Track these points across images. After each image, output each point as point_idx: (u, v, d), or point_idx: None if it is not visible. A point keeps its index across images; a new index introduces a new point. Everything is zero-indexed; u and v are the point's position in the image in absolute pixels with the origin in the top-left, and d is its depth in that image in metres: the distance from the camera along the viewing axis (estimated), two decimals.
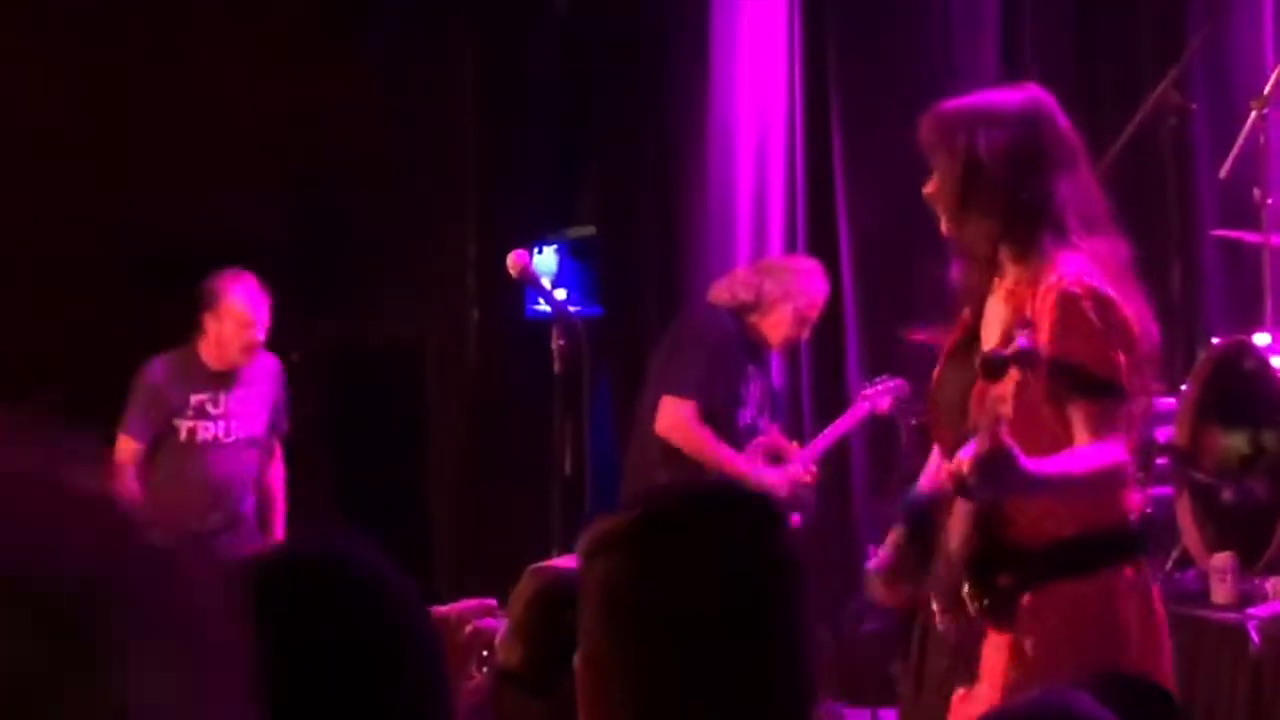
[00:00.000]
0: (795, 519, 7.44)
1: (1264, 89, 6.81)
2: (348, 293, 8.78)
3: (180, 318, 7.05)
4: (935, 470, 4.36)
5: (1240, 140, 6.80)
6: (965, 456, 3.61)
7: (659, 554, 2.27)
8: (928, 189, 4.20)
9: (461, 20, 9.37)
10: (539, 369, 9.63)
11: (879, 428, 8.12)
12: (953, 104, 4.21)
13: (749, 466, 7.26)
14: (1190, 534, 6.38)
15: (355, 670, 2.11)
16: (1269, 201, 6.85)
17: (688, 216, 9.14)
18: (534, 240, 9.73)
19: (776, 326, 7.33)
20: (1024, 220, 4.05)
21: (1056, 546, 3.96)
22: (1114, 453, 3.87)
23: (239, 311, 7.18)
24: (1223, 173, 6.84)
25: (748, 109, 9.11)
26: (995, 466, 3.59)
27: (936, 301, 8.12)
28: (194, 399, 7.26)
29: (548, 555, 9.11)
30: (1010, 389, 3.56)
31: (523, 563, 9.35)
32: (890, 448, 8.09)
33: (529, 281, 6.62)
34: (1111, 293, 3.93)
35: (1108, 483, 3.96)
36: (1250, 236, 7.13)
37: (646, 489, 2.26)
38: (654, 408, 7.26)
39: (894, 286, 8.51)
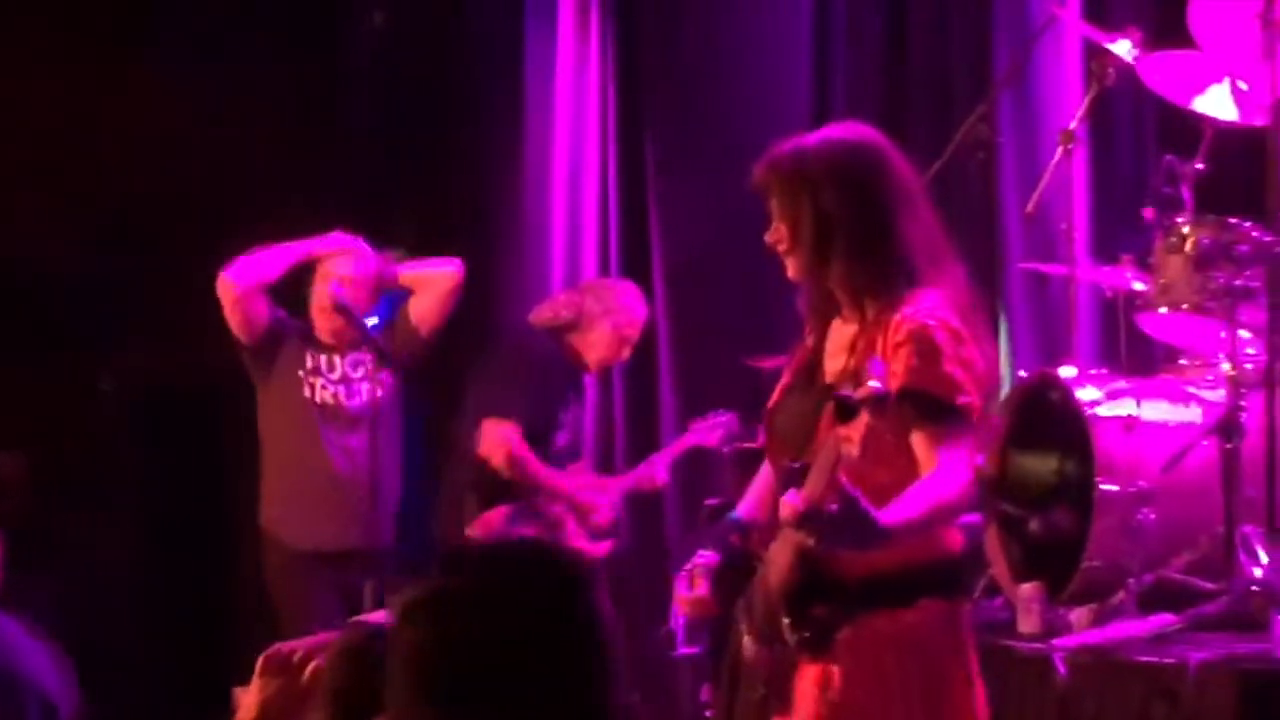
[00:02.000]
0: (607, 546, 7.47)
1: (1070, 124, 6.93)
2: (157, 321, 8.65)
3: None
4: (758, 497, 4.38)
5: (1047, 175, 6.91)
6: (793, 499, 3.63)
7: (462, 624, 2.30)
8: (771, 236, 4.18)
9: (272, 43, 9.29)
10: None
11: (697, 460, 8.15)
12: (790, 148, 4.19)
13: (572, 487, 7.28)
14: (997, 563, 6.48)
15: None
16: (1075, 235, 6.98)
17: (502, 247, 9.13)
18: None
19: (594, 346, 7.36)
20: (874, 262, 4.07)
21: (877, 578, 3.97)
22: (953, 487, 3.89)
23: None
24: (1030, 207, 6.95)
25: (563, 141, 9.13)
26: (850, 526, 3.62)
27: (752, 333, 8.23)
28: None
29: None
30: (859, 430, 3.58)
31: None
32: (706, 481, 8.13)
33: (346, 316, 6.63)
34: (961, 327, 3.98)
35: (952, 517, 3.99)
36: (1056, 270, 7.26)
37: (452, 549, 2.24)
38: (471, 431, 7.25)
39: (705, 320, 8.57)
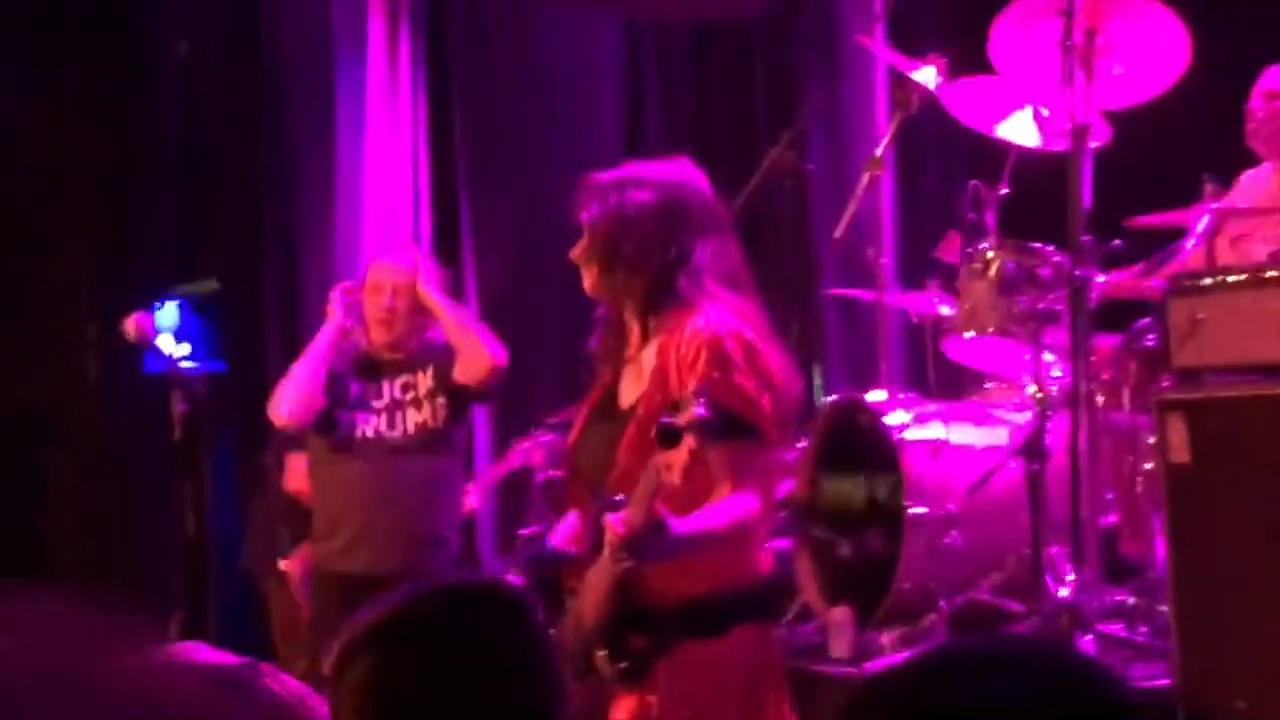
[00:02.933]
0: None
1: (877, 151, 6.99)
2: None
3: None
4: (569, 529, 4.39)
5: (854, 201, 6.96)
6: (615, 522, 3.67)
7: (413, 654, 2.35)
8: (575, 251, 4.27)
9: (80, 66, 9.17)
10: (161, 427, 9.50)
11: (511, 486, 8.14)
12: (613, 173, 4.32)
13: None
14: (809, 587, 6.51)
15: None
16: (882, 261, 7.05)
17: (311, 271, 9.07)
18: (156, 295, 9.56)
19: None
20: (667, 274, 4.14)
21: (689, 606, 4.01)
22: (748, 503, 3.93)
23: None
24: (838, 233, 6.99)
25: (374, 166, 9.09)
26: (646, 537, 3.66)
27: (568, 353, 8.23)
28: None
29: (170, 616, 8.98)
30: (681, 457, 3.59)
31: (152, 619, 9.15)
32: (520, 504, 8.12)
33: (146, 346, 6.46)
34: (755, 339, 4.02)
35: (742, 536, 4.02)
36: (865, 295, 7.32)
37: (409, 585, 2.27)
38: (278, 464, 7.20)
39: (521, 339, 8.53)
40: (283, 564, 7.21)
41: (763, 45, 8.77)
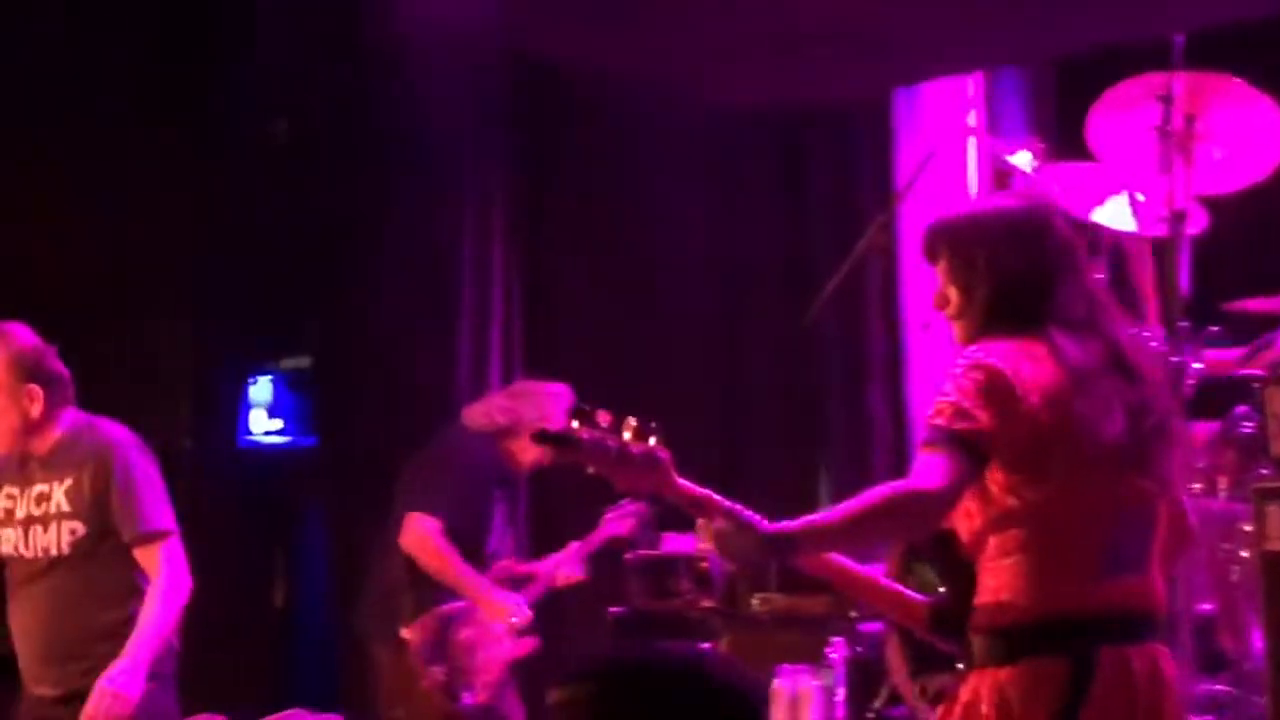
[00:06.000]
0: (529, 644, 7.41)
1: None
2: None
3: None
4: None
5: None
6: None
7: None
8: (939, 302, 4.12)
9: (181, 143, 9.28)
10: (253, 499, 9.57)
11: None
12: (958, 216, 4.15)
13: (485, 588, 7.25)
14: (899, 672, 6.47)
15: None
16: None
17: (404, 346, 9.14)
18: (250, 370, 9.66)
19: (527, 449, 7.35)
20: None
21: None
22: (884, 489, 3.76)
23: None
24: (927, 321, 6.99)
25: (469, 240, 9.17)
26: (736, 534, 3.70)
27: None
28: None
29: (260, 680, 9.02)
30: None
31: (238, 685, 9.12)
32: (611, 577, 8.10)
33: None
34: (998, 363, 3.85)
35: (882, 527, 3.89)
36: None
37: (621, 657, 2.16)
38: (398, 528, 7.22)
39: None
40: (405, 632, 7.22)
41: (859, 130, 8.81)
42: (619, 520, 7.88)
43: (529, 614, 7.33)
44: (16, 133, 8.72)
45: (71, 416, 5.95)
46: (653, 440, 3.74)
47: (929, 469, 3.72)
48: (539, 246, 9.33)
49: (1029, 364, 3.83)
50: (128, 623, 5.85)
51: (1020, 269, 3.97)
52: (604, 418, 3.68)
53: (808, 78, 8.12)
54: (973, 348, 3.89)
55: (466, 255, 9.19)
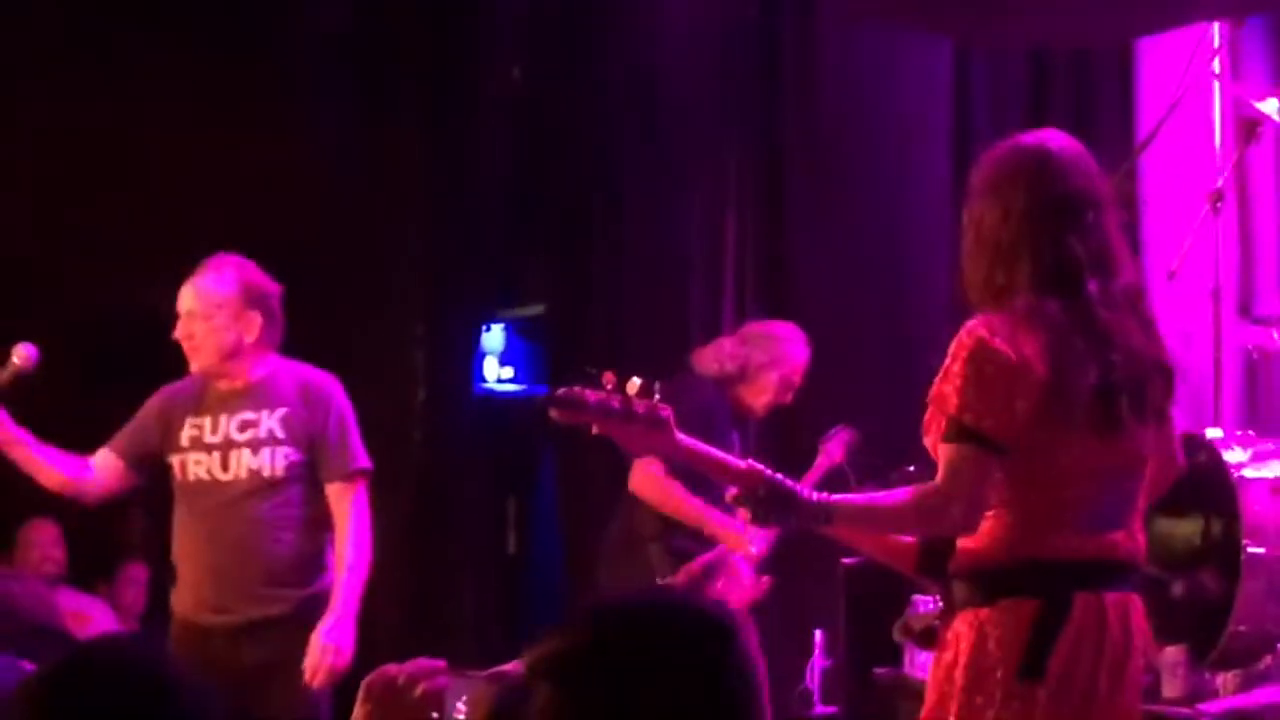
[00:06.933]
0: (766, 582, 7.38)
1: (1218, 183, 6.86)
2: None
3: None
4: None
5: (1192, 235, 6.85)
6: None
7: (606, 684, 2.24)
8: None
9: (410, 94, 9.37)
10: (485, 447, 9.66)
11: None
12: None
13: (721, 519, 7.18)
14: None
15: None
16: (1221, 295, 6.90)
17: (636, 294, 9.15)
18: (482, 318, 9.75)
19: (761, 394, 7.31)
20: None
21: None
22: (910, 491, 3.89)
23: None
24: (1174, 266, 6.88)
25: (701, 189, 9.15)
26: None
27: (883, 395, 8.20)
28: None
29: (489, 628, 9.10)
30: None
31: (467, 632, 9.22)
32: None
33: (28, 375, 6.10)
34: (1002, 346, 3.86)
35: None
36: (1201, 329, 7.19)
37: (595, 603, 2.10)
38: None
39: (843, 378, 8.50)
40: (662, 583, 7.19)
41: (1102, 73, 8.66)
42: (832, 447, 7.85)
43: (764, 549, 7.29)
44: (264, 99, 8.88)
45: (275, 359, 6.07)
46: (656, 398, 3.79)
47: (959, 471, 3.81)
48: (773, 199, 9.27)
49: (1027, 336, 3.85)
50: (316, 557, 5.97)
51: (1000, 222, 3.98)
52: (608, 378, 3.70)
53: (1057, 25, 8.00)
54: (975, 323, 3.90)
55: (698, 204, 9.17)
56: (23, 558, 8.37)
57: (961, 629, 3.91)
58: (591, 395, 3.69)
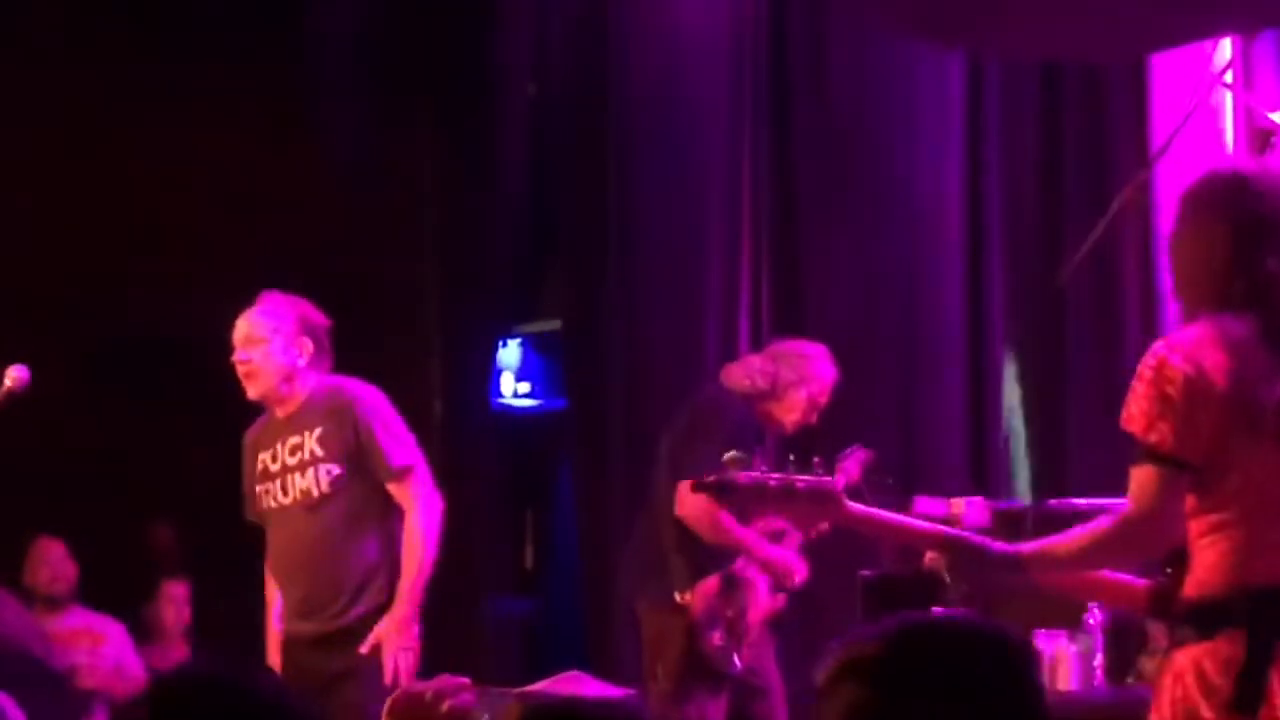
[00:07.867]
0: (782, 598, 7.39)
1: None
2: None
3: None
4: None
5: None
6: None
7: (908, 687, 2.26)
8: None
9: (426, 109, 9.40)
10: (502, 462, 9.67)
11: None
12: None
13: (768, 550, 7.22)
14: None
15: None
16: None
17: (653, 309, 9.15)
18: (499, 333, 9.76)
19: (790, 411, 7.32)
20: None
21: None
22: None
23: None
24: None
25: (716, 203, 9.15)
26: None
27: (896, 402, 8.16)
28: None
29: (508, 643, 9.10)
30: None
31: (485, 647, 9.21)
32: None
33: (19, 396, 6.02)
34: (1181, 365, 3.83)
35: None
36: None
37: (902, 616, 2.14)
38: (668, 492, 7.17)
39: (858, 382, 8.51)
40: (684, 596, 7.18)
41: (1113, 87, 8.66)
42: (848, 466, 7.84)
43: (806, 575, 7.30)
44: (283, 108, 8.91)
45: (314, 378, 6.36)
46: (819, 473, 3.79)
47: (1144, 492, 3.80)
48: (788, 214, 9.27)
49: (1211, 352, 3.80)
50: (383, 564, 6.27)
51: (1204, 246, 3.92)
52: (759, 462, 3.75)
53: (1072, 38, 8.00)
54: (1159, 342, 3.90)
55: (714, 218, 9.16)
56: (32, 577, 8.38)
57: (1184, 666, 3.84)
58: (743, 478, 3.71)
